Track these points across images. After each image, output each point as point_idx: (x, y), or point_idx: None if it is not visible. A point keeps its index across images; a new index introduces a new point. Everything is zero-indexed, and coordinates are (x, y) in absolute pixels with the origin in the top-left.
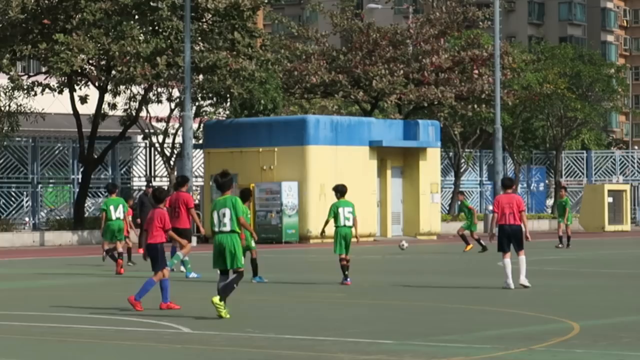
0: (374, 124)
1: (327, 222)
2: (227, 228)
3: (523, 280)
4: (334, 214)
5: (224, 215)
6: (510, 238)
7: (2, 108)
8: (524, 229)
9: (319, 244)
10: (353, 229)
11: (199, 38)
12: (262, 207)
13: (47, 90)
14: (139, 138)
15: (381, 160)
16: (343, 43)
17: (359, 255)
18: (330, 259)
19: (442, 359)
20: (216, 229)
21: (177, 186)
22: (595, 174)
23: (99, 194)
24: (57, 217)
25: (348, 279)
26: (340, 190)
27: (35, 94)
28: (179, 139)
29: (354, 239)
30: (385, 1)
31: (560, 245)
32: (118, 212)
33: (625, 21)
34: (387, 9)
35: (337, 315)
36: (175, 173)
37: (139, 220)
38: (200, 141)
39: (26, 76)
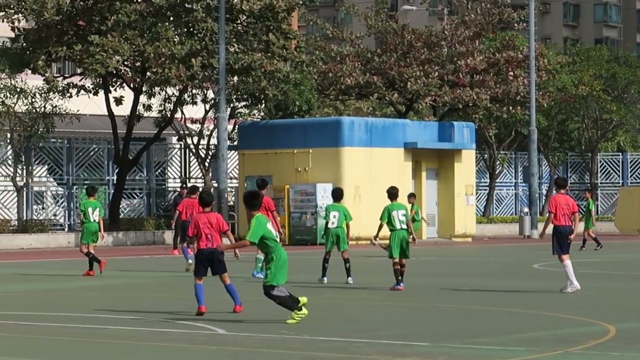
0: (408, 126)
1: (380, 227)
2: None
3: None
4: (387, 217)
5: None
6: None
7: (38, 109)
8: (573, 230)
9: (353, 246)
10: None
11: (234, 39)
12: (296, 209)
13: (82, 91)
14: (174, 139)
15: (416, 162)
16: (378, 45)
17: None
18: (364, 260)
19: None
20: (280, 242)
21: (259, 189)
22: (630, 176)
23: (134, 195)
24: None
25: (401, 284)
26: (392, 193)
27: (71, 96)
28: (213, 141)
29: (411, 241)
30: (420, 2)
31: (598, 247)
32: (95, 214)
33: None
34: (422, 11)
35: (371, 317)
36: (210, 174)
37: (173, 223)
38: (235, 142)
39: (61, 77)
